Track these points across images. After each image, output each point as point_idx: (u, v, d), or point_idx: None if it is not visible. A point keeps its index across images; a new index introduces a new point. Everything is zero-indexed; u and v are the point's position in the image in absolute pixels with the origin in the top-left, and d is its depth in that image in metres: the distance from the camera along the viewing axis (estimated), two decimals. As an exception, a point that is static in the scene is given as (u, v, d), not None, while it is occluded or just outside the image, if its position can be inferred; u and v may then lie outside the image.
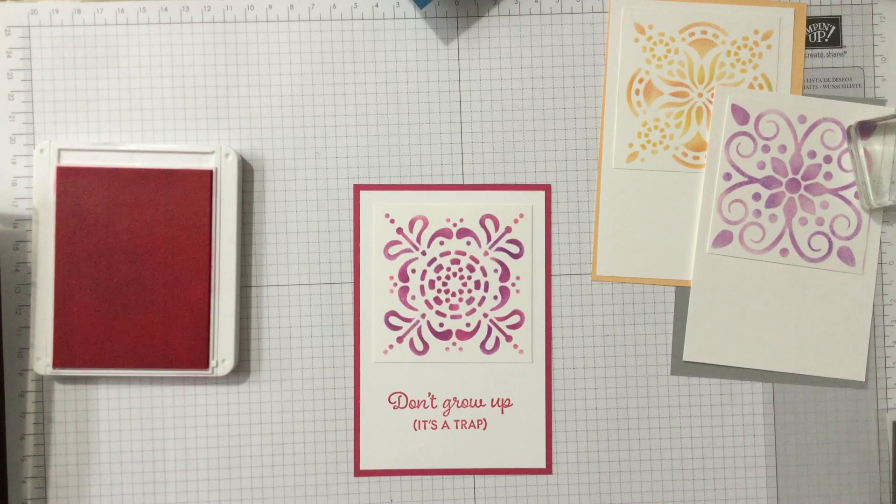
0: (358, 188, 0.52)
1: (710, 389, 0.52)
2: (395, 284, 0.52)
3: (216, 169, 0.51)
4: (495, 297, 0.52)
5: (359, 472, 0.52)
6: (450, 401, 0.52)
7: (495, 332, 0.52)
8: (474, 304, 0.52)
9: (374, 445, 0.52)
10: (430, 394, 0.52)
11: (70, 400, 0.51)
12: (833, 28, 0.53)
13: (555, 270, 0.52)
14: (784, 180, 0.52)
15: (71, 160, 0.50)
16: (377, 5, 0.53)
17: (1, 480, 0.51)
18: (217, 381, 0.52)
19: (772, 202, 0.52)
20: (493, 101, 0.53)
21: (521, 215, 0.52)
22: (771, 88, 0.52)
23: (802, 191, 0.52)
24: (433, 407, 0.52)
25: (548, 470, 0.52)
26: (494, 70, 0.53)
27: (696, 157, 0.52)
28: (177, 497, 0.51)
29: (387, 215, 0.52)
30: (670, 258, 0.52)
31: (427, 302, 0.52)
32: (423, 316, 0.52)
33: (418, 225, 0.52)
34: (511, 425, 0.52)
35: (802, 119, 0.52)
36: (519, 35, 0.53)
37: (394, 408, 0.52)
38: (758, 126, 0.52)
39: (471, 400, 0.52)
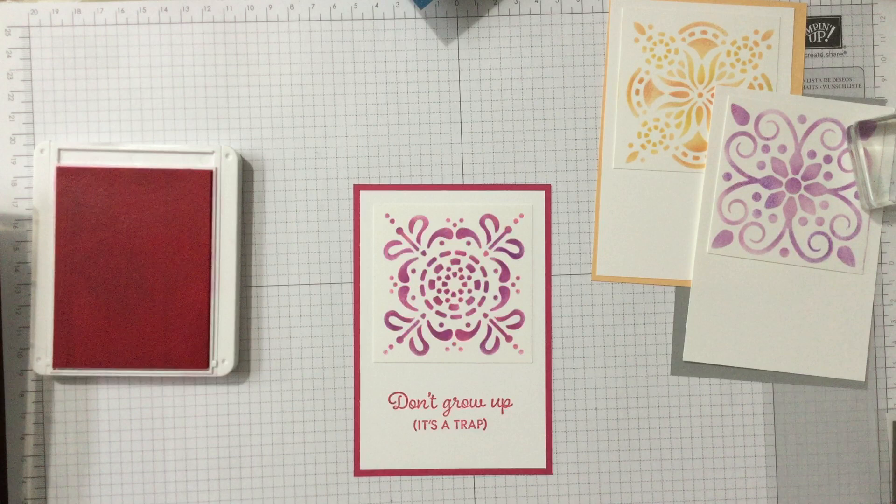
0: (358, 188, 0.52)
1: (710, 389, 0.52)
2: (395, 284, 0.52)
3: (216, 169, 0.51)
4: (495, 297, 0.52)
5: (359, 472, 0.52)
6: (450, 401, 0.52)
7: (495, 332, 0.52)
8: (474, 304, 0.52)
9: (374, 445, 0.52)
10: (430, 394, 0.52)
11: (70, 400, 0.51)
12: (833, 28, 0.53)
13: (555, 270, 0.52)
14: (784, 180, 0.52)
15: (71, 160, 0.50)
16: (377, 5, 0.53)
17: (1, 480, 0.51)
18: (217, 381, 0.52)
19: (772, 202, 0.52)
20: (493, 101, 0.53)
21: (521, 215, 0.52)
22: (771, 88, 0.52)
23: (802, 191, 0.52)
24: (433, 407, 0.52)
25: (548, 470, 0.52)
26: (494, 70, 0.53)
27: (696, 157, 0.52)
28: (177, 497, 0.51)
29: (387, 215, 0.52)
30: (670, 258, 0.52)
31: (427, 302, 0.52)
32: (423, 316, 0.52)
33: (418, 225, 0.52)
34: (511, 425, 0.52)
35: (802, 119, 0.52)
36: (519, 35, 0.53)
37: (394, 408, 0.52)
38: (758, 126, 0.52)
39: (471, 400, 0.52)
